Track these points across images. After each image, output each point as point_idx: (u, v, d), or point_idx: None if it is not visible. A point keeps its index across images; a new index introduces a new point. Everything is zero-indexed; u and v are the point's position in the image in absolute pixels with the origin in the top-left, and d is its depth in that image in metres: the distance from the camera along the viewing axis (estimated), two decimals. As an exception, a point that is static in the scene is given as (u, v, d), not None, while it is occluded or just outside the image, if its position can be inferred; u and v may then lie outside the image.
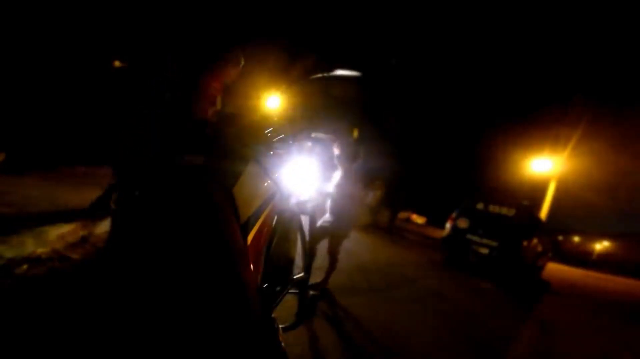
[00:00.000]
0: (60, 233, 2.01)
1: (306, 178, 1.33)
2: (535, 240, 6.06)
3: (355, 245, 6.19)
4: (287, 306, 1.38)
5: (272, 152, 1.01)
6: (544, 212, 10.99)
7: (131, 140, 0.78)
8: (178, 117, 0.76)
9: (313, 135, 1.65)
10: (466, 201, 6.71)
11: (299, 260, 1.42)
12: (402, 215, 12.96)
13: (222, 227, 0.69)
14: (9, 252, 1.66)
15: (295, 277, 1.36)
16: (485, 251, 5.94)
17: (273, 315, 0.87)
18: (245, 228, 0.78)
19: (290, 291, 1.33)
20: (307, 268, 1.42)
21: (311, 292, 2.44)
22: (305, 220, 1.42)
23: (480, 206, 6.49)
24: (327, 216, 2.66)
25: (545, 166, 11.89)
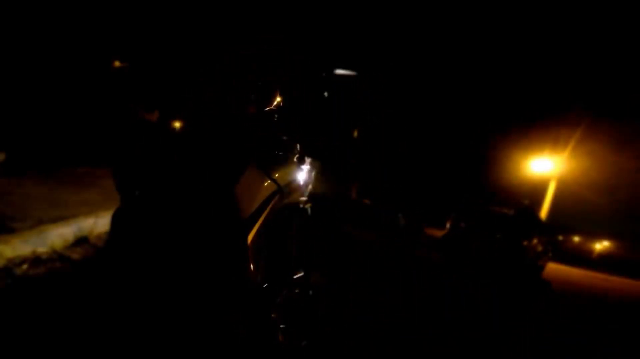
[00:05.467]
0: (60, 233, 2.01)
1: (306, 178, 1.33)
2: (535, 240, 6.06)
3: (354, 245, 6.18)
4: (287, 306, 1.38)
5: (272, 152, 1.01)
6: (544, 212, 11.00)
7: (131, 141, 0.78)
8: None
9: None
10: (466, 201, 6.72)
11: (299, 260, 1.42)
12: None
13: (222, 227, 0.69)
14: (9, 252, 1.66)
15: (295, 277, 1.36)
16: (485, 251, 5.95)
17: (273, 315, 0.87)
18: (245, 227, 0.78)
19: (290, 290, 1.32)
20: (308, 268, 1.42)
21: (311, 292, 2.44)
22: (304, 220, 1.42)
23: (480, 206, 6.50)
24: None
25: (545, 166, 11.90)
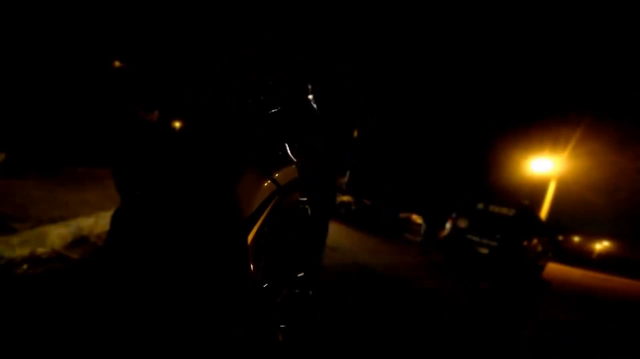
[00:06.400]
0: (60, 233, 2.01)
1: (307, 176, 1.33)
2: (535, 240, 6.06)
3: (355, 245, 6.19)
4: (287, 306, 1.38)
5: (272, 152, 1.01)
6: (544, 212, 11.00)
7: (132, 141, 0.79)
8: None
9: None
10: (466, 201, 6.71)
11: (299, 259, 1.42)
12: (402, 215, 12.95)
13: (222, 227, 0.69)
14: (9, 252, 1.66)
15: (296, 276, 1.35)
16: (485, 251, 5.95)
17: (273, 315, 0.87)
18: (246, 227, 0.78)
19: (290, 290, 1.32)
20: (308, 268, 1.42)
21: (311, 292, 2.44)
22: (304, 220, 1.42)
23: (480, 206, 6.49)
24: None
25: (545, 166, 11.90)
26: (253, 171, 0.83)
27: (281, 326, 0.91)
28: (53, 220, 2.09)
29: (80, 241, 2.14)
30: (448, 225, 6.69)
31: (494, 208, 6.34)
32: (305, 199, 1.38)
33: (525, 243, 5.75)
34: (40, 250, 1.81)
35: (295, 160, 1.18)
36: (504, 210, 6.23)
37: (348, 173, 2.38)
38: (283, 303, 1.12)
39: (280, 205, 1.00)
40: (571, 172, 12.13)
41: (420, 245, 7.26)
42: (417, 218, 13.16)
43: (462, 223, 6.43)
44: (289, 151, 1.16)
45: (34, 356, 0.93)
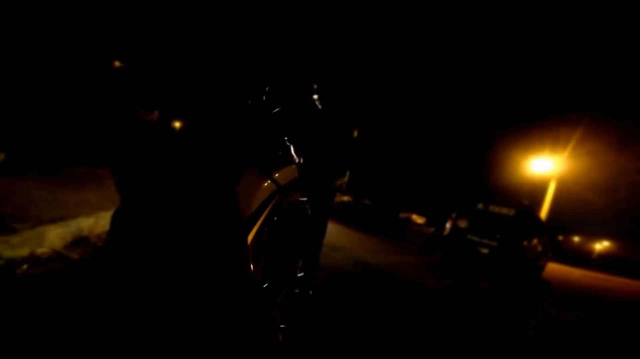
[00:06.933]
0: (59, 233, 2.01)
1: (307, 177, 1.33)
2: (535, 240, 6.06)
3: (355, 245, 6.19)
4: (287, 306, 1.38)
5: (272, 152, 1.00)
6: (544, 212, 11.01)
7: (132, 141, 0.79)
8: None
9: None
10: (466, 201, 6.71)
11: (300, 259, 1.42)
12: (403, 215, 12.95)
13: (222, 227, 0.69)
14: (9, 252, 1.66)
15: (296, 276, 1.35)
16: (485, 251, 5.95)
17: (273, 315, 0.87)
18: (246, 227, 0.78)
19: (290, 290, 1.32)
20: (308, 268, 1.42)
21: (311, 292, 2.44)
22: (304, 220, 1.42)
23: (480, 206, 6.49)
24: None
25: (545, 166, 11.91)
26: (253, 171, 0.83)
27: (281, 326, 0.91)
28: (53, 220, 2.09)
29: (80, 241, 2.14)
30: (448, 225, 6.69)
31: (494, 208, 6.34)
32: (305, 199, 1.38)
33: (525, 243, 5.75)
34: (40, 250, 1.81)
35: (295, 160, 1.18)
36: (504, 210, 6.23)
37: (348, 173, 2.37)
38: (283, 303, 1.12)
39: (280, 205, 1.00)
40: (571, 172, 12.15)
41: (424, 246, 7.27)
42: (417, 218, 13.16)
43: (462, 223, 6.43)
44: (289, 151, 1.16)
45: (34, 356, 0.93)
